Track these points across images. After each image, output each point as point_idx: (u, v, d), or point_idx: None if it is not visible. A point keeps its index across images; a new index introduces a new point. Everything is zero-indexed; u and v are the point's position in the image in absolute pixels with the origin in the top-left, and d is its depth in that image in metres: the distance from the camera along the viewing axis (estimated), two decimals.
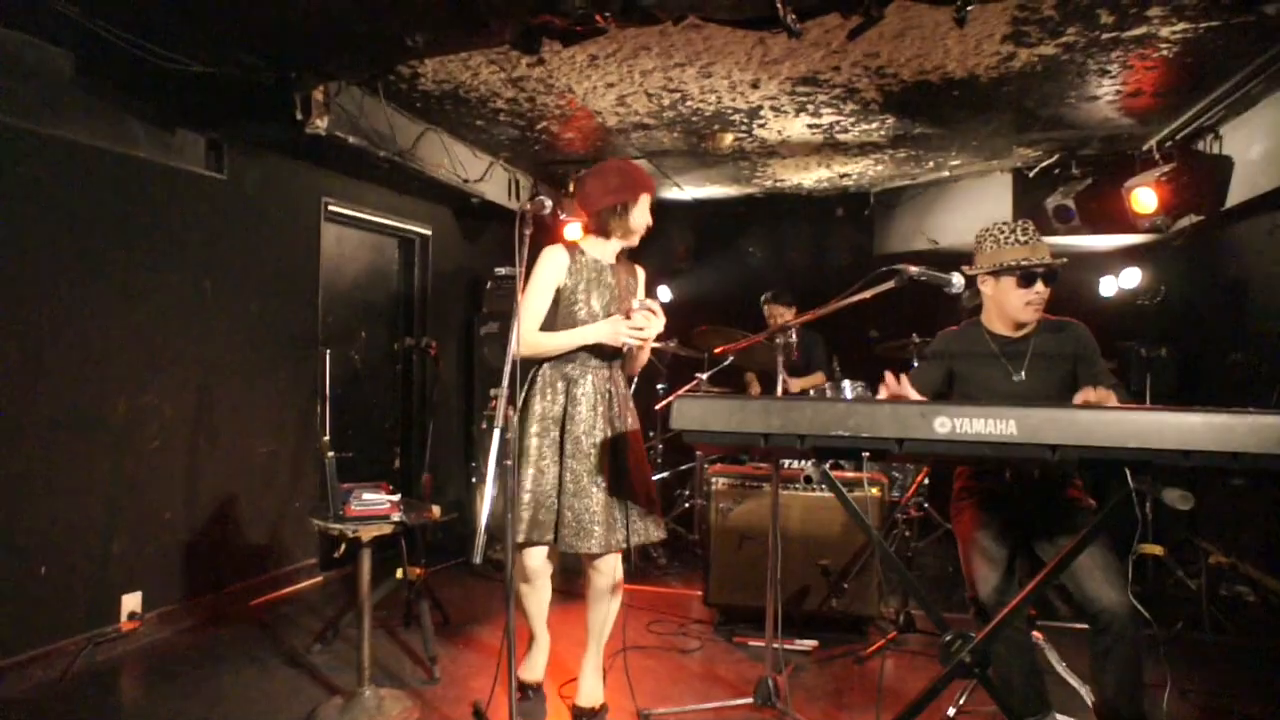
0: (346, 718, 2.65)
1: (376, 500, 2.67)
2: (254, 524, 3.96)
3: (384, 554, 3.28)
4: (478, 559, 2.11)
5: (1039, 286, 2.44)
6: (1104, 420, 1.93)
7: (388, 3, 2.58)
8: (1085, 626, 2.28)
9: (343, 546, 2.65)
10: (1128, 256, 5.24)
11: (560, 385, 2.63)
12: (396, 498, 2.72)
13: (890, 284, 2.27)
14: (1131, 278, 4.97)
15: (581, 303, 2.64)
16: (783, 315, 5.12)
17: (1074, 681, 2.82)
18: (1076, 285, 5.34)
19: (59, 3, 2.73)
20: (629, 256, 2.87)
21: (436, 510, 2.84)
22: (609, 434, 2.61)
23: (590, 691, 2.75)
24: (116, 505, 3.31)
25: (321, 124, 3.49)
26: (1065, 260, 2.43)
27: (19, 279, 2.98)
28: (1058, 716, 2.38)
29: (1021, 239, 2.44)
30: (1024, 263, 2.39)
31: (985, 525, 2.41)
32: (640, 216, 2.71)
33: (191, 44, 2.99)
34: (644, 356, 2.84)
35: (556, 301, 2.68)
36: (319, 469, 4.26)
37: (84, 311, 3.20)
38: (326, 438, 2.85)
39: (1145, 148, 4.52)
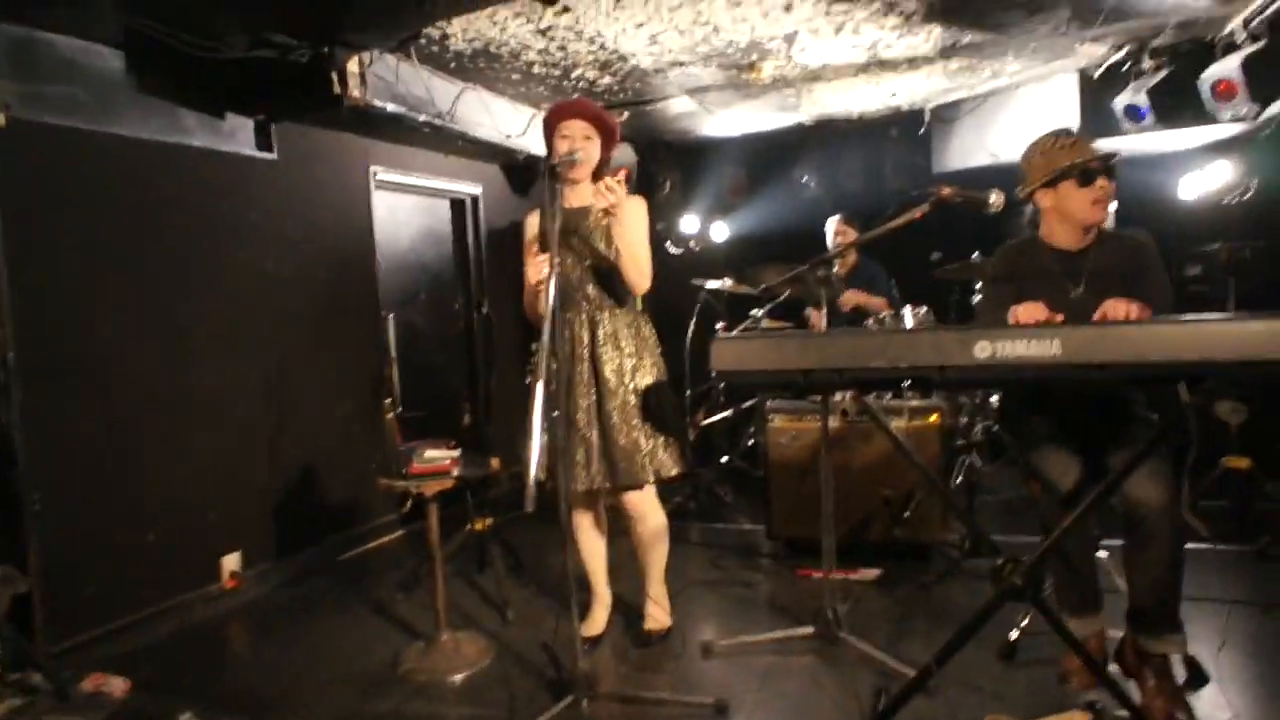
0: (427, 659, 2.84)
1: (438, 456, 2.79)
2: (336, 483, 4.20)
3: (455, 506, 3.45)
4: (530, 508, 2.20)
5: (1101, 182, 2.34)
6: (1155, 333, 1.85)
7: None
8: None
9: (409, 502, 2.79)
10: (1214, 151, 4.87)
11: (566, 332, 2.68)
12: (457, 453, 2.84)
13: (925, 208, 2.20)
14: (1216, 174, 4.63)
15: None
16: (851, 237, 5.02)
17: (1121, 585, 2.76)
18: (1154, 188, 5.03)
19: (104, 3, 2.85)
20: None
21: (496, 462, 2.95)
22: (594, 373, 2.66)
23: (655, 616, 2.87)
24: (211, 473, 3.57)
25: (359, 94, 3.55)
26: (1118, 153, 2.32)
27: (95, 271, 3.19)
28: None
29: (1066, 142, 2.38)
30: (1077, 160, 2.32)
31: (1052, 428, 2.37)
32: (558, 149, 2.66)
33: (227, 31, 3.07)
34: (631, 262, 2.67)
35: None
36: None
37: (161, 296, 3.41)
38: (388, 399, 2.98)
39: (1227, 30, 4.16)
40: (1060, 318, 2.17)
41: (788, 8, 3.60)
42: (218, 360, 3.62)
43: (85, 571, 3.09)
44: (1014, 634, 2.63)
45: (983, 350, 1.97)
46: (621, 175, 2.61)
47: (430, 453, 2.84)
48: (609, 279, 2.70)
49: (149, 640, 3.19)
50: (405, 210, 4.93)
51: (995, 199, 2.19)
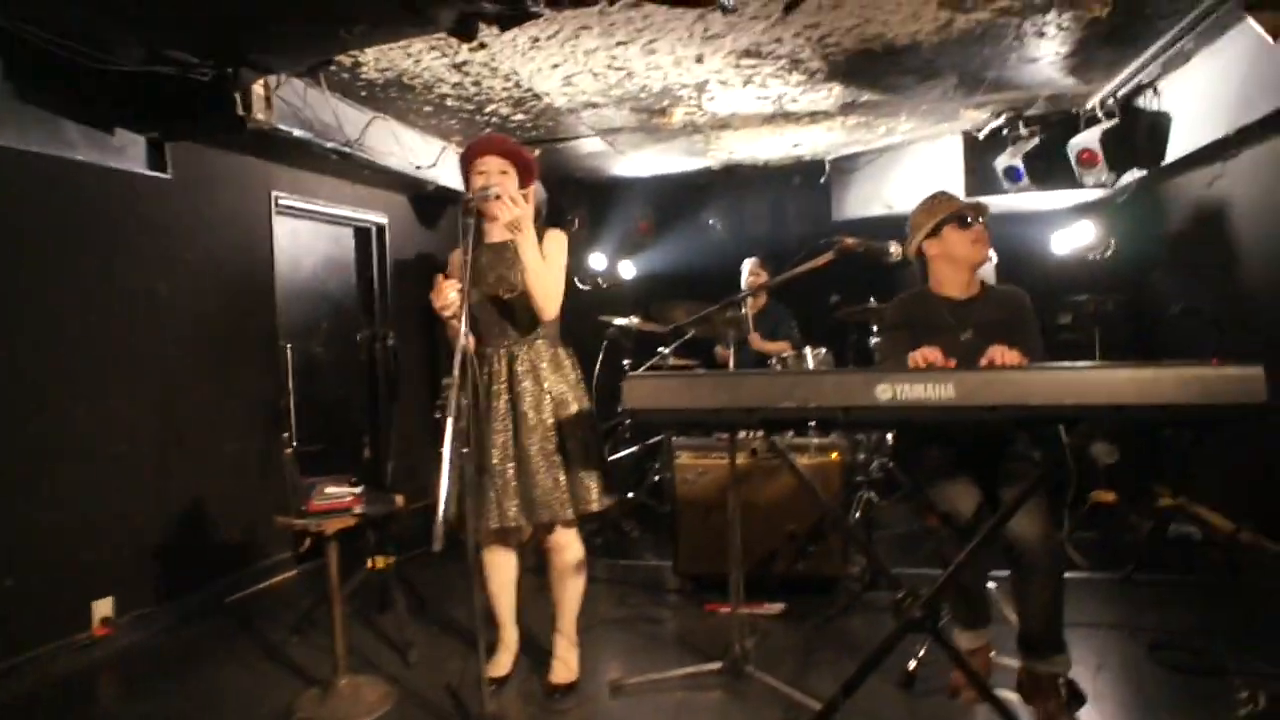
0: (325, 707, 2.70)
1: (339, 493, 2.70)
2: (226, 521, 3.97)
3: (355, 544, 3.32)
4: (437, 547, 2.15)
5: (978, 227, 2.61)
6: (1039, 379, 2.01)
7: None
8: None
9: (308, 540, 2.68)
10: (1078, 213, 5.34)
11: (479, 366, 2.67)
12: (359, 489, 2.75)
13: (829, 256, 2.32)
14: (1082, 233, 5.07)
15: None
16: (764, 279, 5.22)
17: (1011, 617, 2.93)
18: (1029, 243, 5.45)
19: None
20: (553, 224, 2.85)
21: (400, 499, 2.87)
22: (511, 407, 2.65)
23: (563, 667, 2.82)
24: (84, 512, 3.31)
25: (264, 118, 3.46)
26: (988, 205, 2.58)
27: None
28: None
29: (943, 197, 2.66)
30: (954, 207, 2.60)
31: (950, 462, 2.52)
32: (474, 184, 2.68)
33: (123, 43, 2.93)
34: (536, 282, 2.62)
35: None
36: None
37: (39, 320, 3.17)
38: (286, 434, 2.86)
39: (1089, 106, 4.60)
40: (953, 362, 2.33)
41: (699, 59, 3.74)
42: (97, 388, 3.38)
43: None
44: (912, 664, 2.74)
45: (884, 392, 2.09)
46: (529, 191, 2.62)
47: (330, 489, 2.74)
48: (528, 313, 2.70)
49: (7, 696, 2.91)
50: (307, 237, 4.78)
51: (894, 250, 2.35)
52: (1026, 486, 2.17)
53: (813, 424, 2.78)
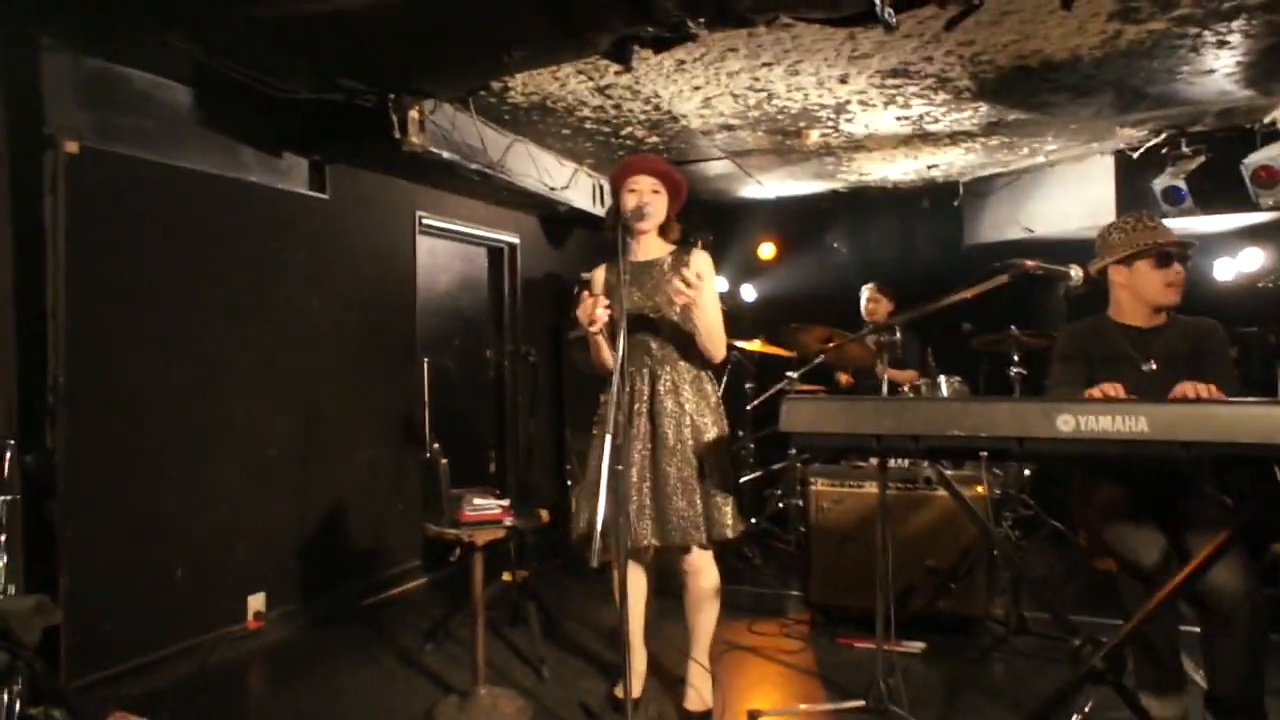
0: (464, 715, 2.74)
1: (488, 505, 2.74)
2: (361, 528, 4.13)
3: (488, 556, 3.38)
4: (595, 563, 2.15)
5: (1176, 267, 2.40)
6: (1241, 414, 1.85)
7: (486, 22, 2.66)
8: None
9: (456, 550, 2.73)
10: (1247, 237, 4.94)
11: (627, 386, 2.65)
12: (506, 502, 2.79)
13: (1004, 278, 2.21)
14: (1252, 259, 4.69)
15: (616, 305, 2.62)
16: (884, 306, 5.08)
17: (1197, 678, 2.68)
18: (1189, 270, 5.07)
19: (180, 42, 2.91)
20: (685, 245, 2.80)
21: (545, 514, 2.90)
22: (652, 428, 2.62)
23: (698, 694, 2.77)
24: (239, 511, 3.50)
25: (418, 141, 3.61)
26: (1196, 243, 2.36)
27: (146, 299, 3.18)
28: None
29: (1149, 224, 2.43)
30: (1160, 241, 2.37)
31: (1128, 501, 2.33)
32: (626, 203, 2.67)
33: (299, 73, 3.13)
34: (708, 338, 2.66)
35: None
36: (420, 474, 4.41)
37: (204, 328, 3.40)
38: (436, 445, 2.95)
39: (1268, 119, 4.26)
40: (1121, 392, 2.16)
41: (843, 79, 3.68)
42: (253, 396, 3.59)
43: (111, 606, 3.00)
44: (1076, 718, 2.54)
45: (1066, 423, 1.96)
46: (697, 270, 2.60)
47: (479, 500, 2.79)
48: (672, 333, 2.69)
49: (171, 680, 3.09)
50: (445, 255, 4.96)
51: (1076, 274, 2.21)
52: (1230, 532, 1.98)
53: (984, 455, 2.63)
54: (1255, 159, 4.00)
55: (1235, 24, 3.08)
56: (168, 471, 3.22)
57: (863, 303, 5.23)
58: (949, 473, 3.69)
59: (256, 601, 3.53)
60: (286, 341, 3.77)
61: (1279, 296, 4.69)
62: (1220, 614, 2.11)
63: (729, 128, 4.40)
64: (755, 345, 5.14)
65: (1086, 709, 2.56)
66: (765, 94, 3.87)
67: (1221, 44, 3.27)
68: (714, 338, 2.67)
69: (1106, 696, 2.46)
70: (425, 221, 4.58)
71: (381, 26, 2.74)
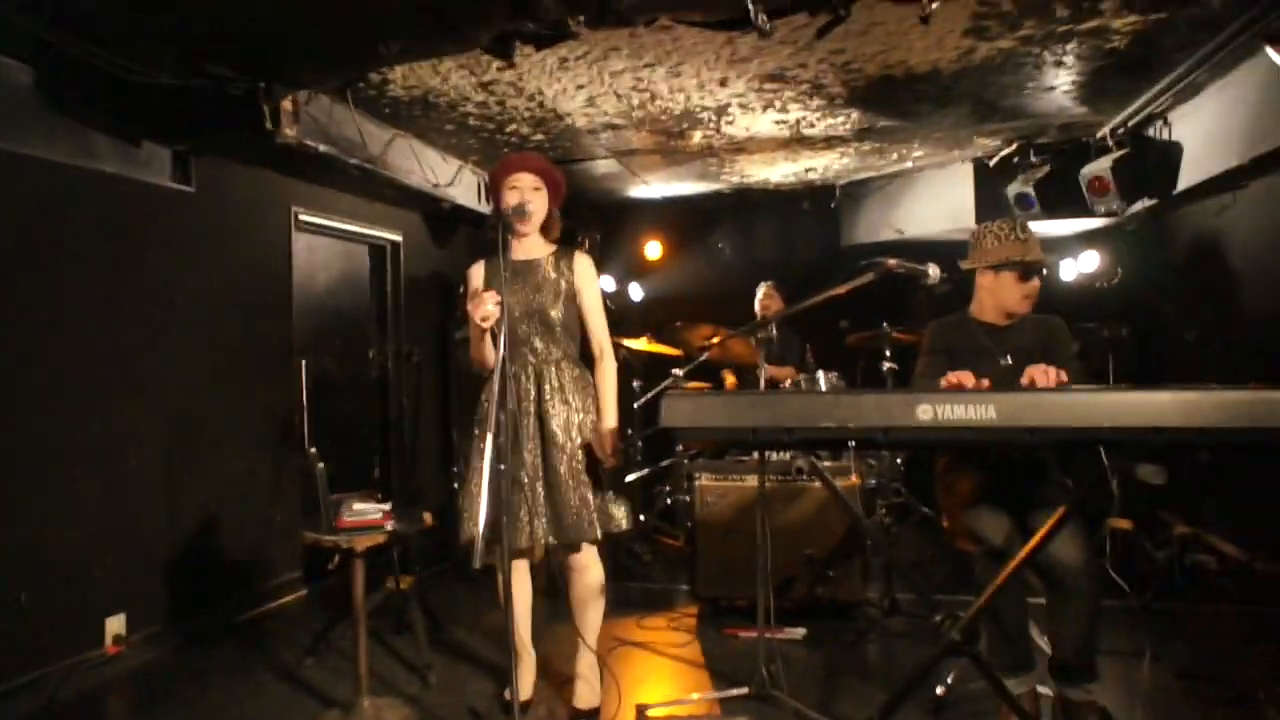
0: None
1: (368, 509, 2.67)
2: (236, 539, 3.92)
3: (370, 563, 3.28)
4: (477, 564, 2.13)
5: (1035, 282, 2.60)
6: (1079, 401, 2.02)
7: (361, 12, 2.58)
8: None
9: (335, 558, 2.64)
10: (1085, 241, 5.40)
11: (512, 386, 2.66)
12: (388, 506, 2.72)
13: (870, 277, 2.33)
14: (1090, 261, 5.12)
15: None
16: (776, 303, 5.26)
17: (1042, 644, 2.92)
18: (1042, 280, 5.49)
19: (16, 15, 2.68)
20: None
21: (429, 517, 2.84)
22: (540, 426, 2.64)
23: (586, 691, 2.78)
24: (97, 527, 3.26)
25: (291, 133, 3.46)
26: (1051, 259, 2.55)
27: None
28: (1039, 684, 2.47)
29: (1021, 236, 2.59)
30: (1027, 259, 2.55)
31: (981, 489, 2.52)
32: (507, 201, 2.67)
33: (159, 56, 2.94)
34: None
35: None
36: (300, 481, 4.22)
37: (56, 331, 3.14)
38: (314, 449, 2.84)
39: (1100, 135, 4.66)
40: (987, 383, 2.33)
41: (723, 82, 3.78)
42: (111, 401, 3.35)
43: None
44: (940, 689, 2.72)
45: (925, 413, 2.09)
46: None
47: (359, 505, 2.71)
48: (555, 332, 2.69)
49: (19, 715, 2.84)
50: (324, 253, 4.77)
51: (933, 273, 2.36)
52: (1064, 509, 2.16)
53: (852, 445, 2.76)
54: (1089, 170, 4.37)
55: (1069, 46, 3.36)
56: (10, 489, 2.96)
57: (757, 301, 5.39)
58: (826, 464, 3.88)
59: (116, 624, 3.28)
60: (150, 343, 3.53)
61: (1115, 295, 5.16)
62: (1064, 586, 2.31)
63: (614, 127, 4.44)
64: (642, 343, 5.20)
65: (949, 680, 2.74)
66: (648, 94, 3.92)
67: (1059, 64, 3.56)
68: (604, 348, 2.74)
69: (966, 668, 2.67)
70: (302, 218, 4.39)
71: (251, 8, 2.61)
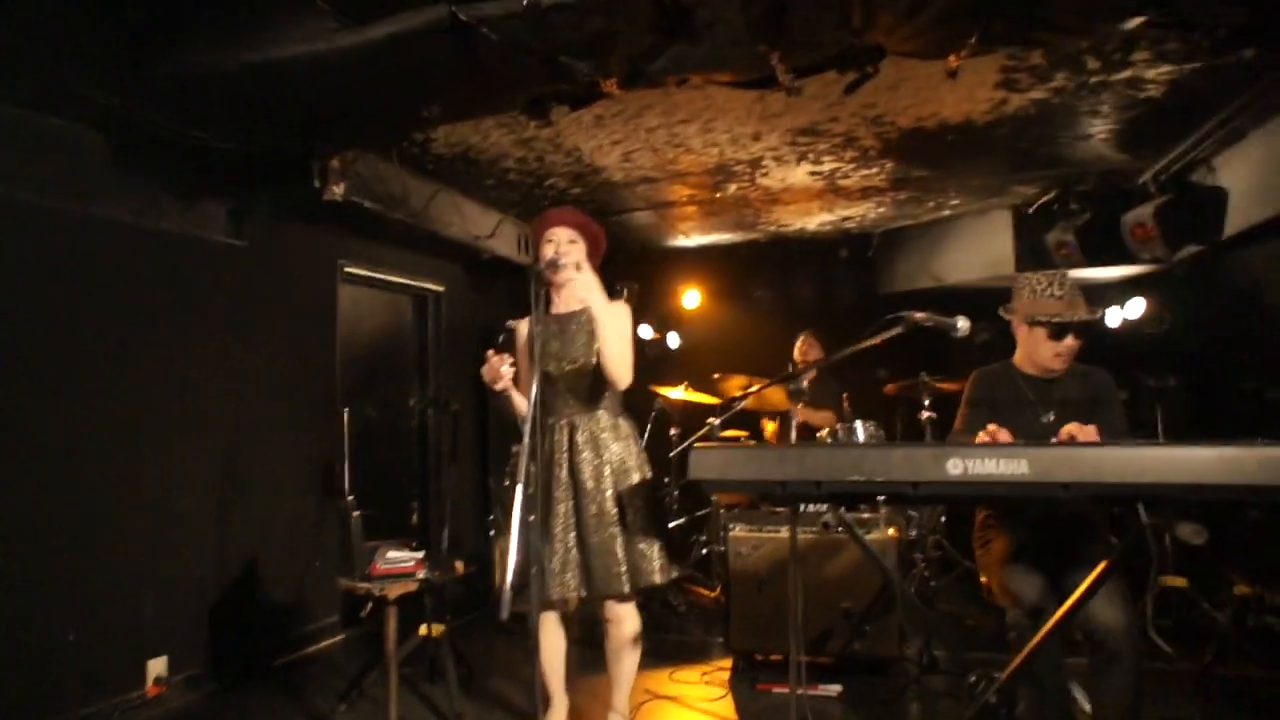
0: None
1: (401, 557, 2.71)
2: (277, 584, 3.99)
3: (405, 610, 3.31)
4: (504, 615, 2.14)
5: (1069, 340, 2.51)
6: (1114, 456, 1.96)
7: (404, 79, 2.71)
8: None
9: (369, 605, 2.68)
10: (1131, 287, 5.29)
11: (546, 438, 2.68)
12: (420, 554, 2.76)
13: (897, 330, 2.32)
14: (1136, 308, 5.01)
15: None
16: (815, 352, 5.28)
17: (1086, 705, 2.79)
18: (1086, 336, 5.38)
19: (91, 89, 2.87)
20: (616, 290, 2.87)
21: (460, 565, 2.87)
22: (579, 480, 2.64)
23: None
24: (147, 568, 3.36)
25: (339, 190, 3.62)
26: (1100, 314, 2.48)
27: (59, 349, 3.08)
28: None
29: (1057, 293, 2.51)
30: (1056, 319, 2.48)
31: (1019, 547, 2.45)
32: (542, 254, 2.72)
33: (221, 122, 3.12)
34: (610, 358, 2.65)
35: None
36: (340, 527, 4.28)
37: (119, 378, 3.30)
38: (351, 497, 2.90)
39: (1141, 180, 4.60)
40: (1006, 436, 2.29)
41: (756, 136, 3.85)
42: (166, 448, 3.48)
43: None
44: None
45: (955, 467, 2.06)
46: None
47: (393, 553, 2.75)
48: (591, 384, 2.73)
49: None
50: (368, 304, 4.92)
51: (963, 325, 2.34)
52: (1103, 567, 2.10)
53: (882, 499, 2.73)
54: (1131, 217, 4.31)
55: (1104, 95, 3.36)
56: (67, 529, 3.08)
57: (796, 350, 5.41)
58: (865, 516, 3.82)
59: (158, 665, 3.36)
60: (204, 391, 3.67)
61: (1162, 343, 5.02)
62: (1106, 648, 2.23)
63: (649, 180, 4.53)
64: (680, 392, 5.22)
65: None
66: (682, 148, 4.01)
67: (1094, 113, 3.55)
68: (616, 357, 2.65)
69: None
70: (348, 270, 4.55)
71: (306, 80, 2.76)
